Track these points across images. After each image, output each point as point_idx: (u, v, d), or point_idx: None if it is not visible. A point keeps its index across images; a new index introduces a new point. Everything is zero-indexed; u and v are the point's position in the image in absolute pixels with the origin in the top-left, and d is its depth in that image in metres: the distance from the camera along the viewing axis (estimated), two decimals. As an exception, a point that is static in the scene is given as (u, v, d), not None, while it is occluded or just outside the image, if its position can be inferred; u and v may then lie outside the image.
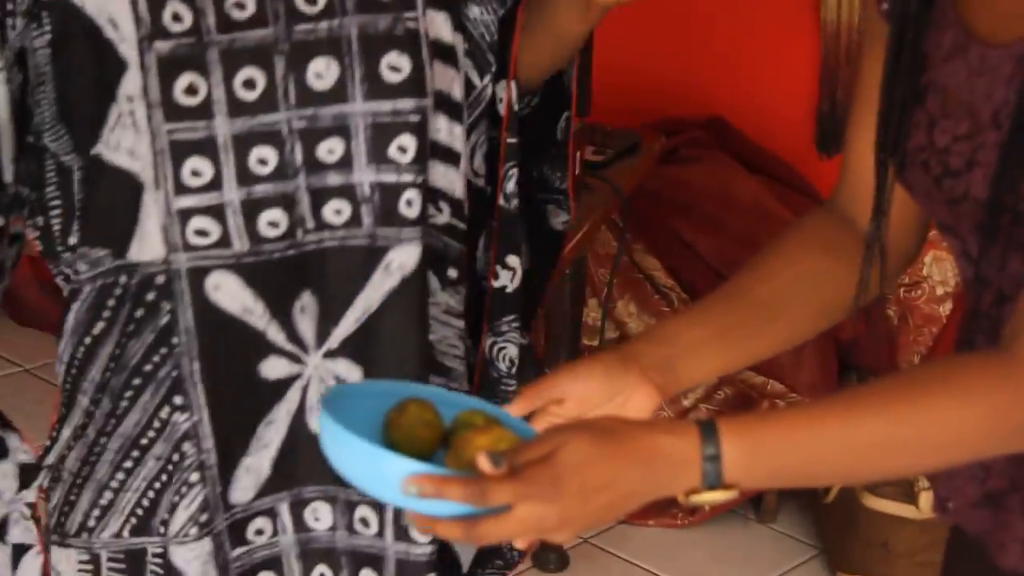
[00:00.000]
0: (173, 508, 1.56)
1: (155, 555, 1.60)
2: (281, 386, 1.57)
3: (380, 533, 1.62)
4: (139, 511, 1.56)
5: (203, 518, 1.57)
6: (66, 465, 1.57)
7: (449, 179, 1.65)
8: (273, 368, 1.56)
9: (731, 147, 3.73)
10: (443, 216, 1.63)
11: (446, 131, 1.61)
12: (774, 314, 1.51)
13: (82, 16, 1.47)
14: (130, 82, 1.49)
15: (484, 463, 1.13)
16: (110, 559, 1.61)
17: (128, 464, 1.56)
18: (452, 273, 1.65)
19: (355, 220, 1.55)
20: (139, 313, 1.53)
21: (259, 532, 1.61)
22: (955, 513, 1.53)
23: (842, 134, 3.18)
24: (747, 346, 1.51)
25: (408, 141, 1.56)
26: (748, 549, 3.53)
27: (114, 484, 1.56)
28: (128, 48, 1.48)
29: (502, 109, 1.69)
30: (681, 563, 3.40)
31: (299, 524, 1.64)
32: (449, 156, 1.62)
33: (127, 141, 1.51)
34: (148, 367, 1.54)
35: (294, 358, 1.57)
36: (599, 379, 1.42)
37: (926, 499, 3.14)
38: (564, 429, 1.23)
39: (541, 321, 3.44)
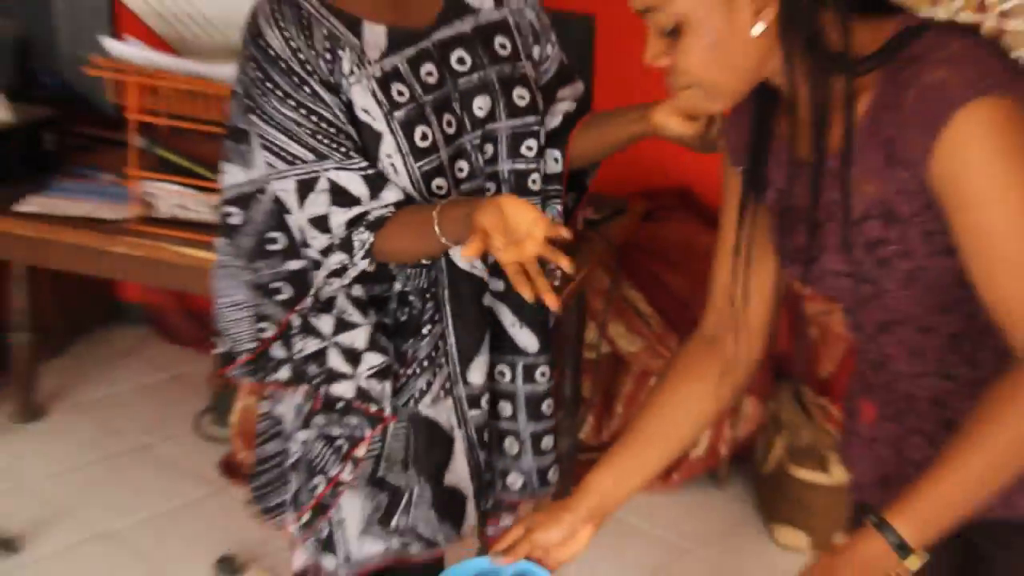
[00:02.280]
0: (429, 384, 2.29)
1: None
2: (486, 308, 2.29)
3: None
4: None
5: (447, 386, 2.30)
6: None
7: (551, 165, 2.32)
8: (486, 297, 2.29)
9: (694, 209, 4.11)
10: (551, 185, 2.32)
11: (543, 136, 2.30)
12: (665, 441, 1.95)
13: (353, 115, 2.11)
14: (386, 144, 2.09)
15: None
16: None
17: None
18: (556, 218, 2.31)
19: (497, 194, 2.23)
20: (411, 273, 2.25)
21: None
22: (858, 491, 1.93)
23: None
24: (650, 470, 1.96)
25: (532, 143, 2.25)
26: (707, 505, 3.93)
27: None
28: (379, 124, 2.10)
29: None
30: (658, 517, 3.78)
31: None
32: (544, 151, 2.30)
33: (396, 179, 2.15)
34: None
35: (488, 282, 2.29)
36: (561, 529, 1.90)
37: (835, 469, 3.56)
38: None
39: (559, 335, 3.61)
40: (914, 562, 1.52)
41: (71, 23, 3.60)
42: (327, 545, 2.35)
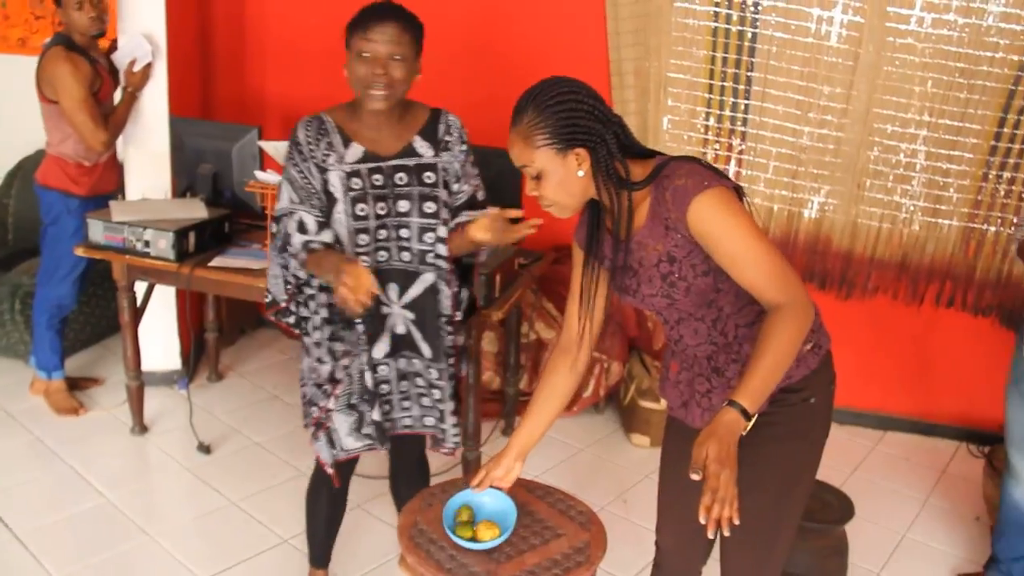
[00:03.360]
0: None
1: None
2: (385, 316, 2.43)
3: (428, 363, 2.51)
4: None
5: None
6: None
7: (440, 249, 2.40)
8: (383, 309, 2.42)
9: None
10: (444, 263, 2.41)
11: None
12: (551, 410, 2.18)
13: (327, 187, 2.31)
14: (338, 207, 2.33)
15: (695, 477, 1.63)
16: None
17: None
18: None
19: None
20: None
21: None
22: (670, 411, 2.17)
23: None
24: (545, 425, 2.17)
25: (431, 235, 2.39)
26: (592, 424, 4.22)
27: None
28: (339, 195, 2.33)
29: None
30: (564, 431, 4.06)
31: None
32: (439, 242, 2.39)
33: (338, 227, 2.33)
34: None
35: (389, 304, 2.43)
36: (503, 468, 2.13)
37: (662, 401, 3.73)
38: (702, 444, 1.65)
39: (503, 331, 3.98)
40: (751, 421, 1.70)
41: (240, 163, 3.75)
42: (330, 443, 2.54)
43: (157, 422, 4.07)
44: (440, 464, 3.54)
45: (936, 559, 3.37)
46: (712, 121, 4.10)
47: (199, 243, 3.54)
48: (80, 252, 3.63)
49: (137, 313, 3.81)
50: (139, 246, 3.49)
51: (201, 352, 4.58)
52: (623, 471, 3.83)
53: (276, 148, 3.26)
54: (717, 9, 3.96)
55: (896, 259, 4.09)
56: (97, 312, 4.75)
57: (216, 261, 3.46)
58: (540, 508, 2.22)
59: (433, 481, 2.76)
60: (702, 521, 1.63)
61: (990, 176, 3.88)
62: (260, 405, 4.29)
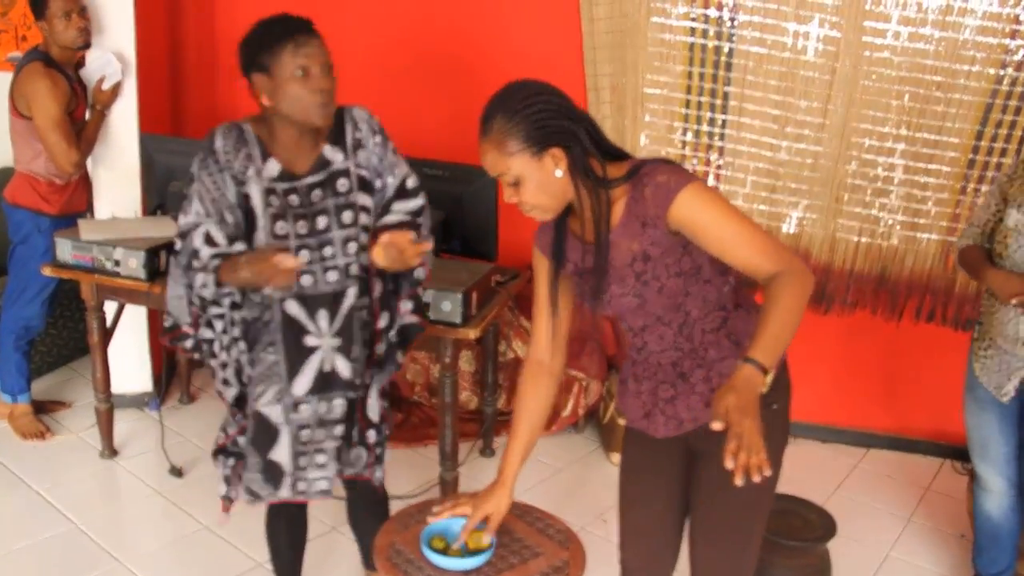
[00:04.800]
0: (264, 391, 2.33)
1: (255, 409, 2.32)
2: (311, 349, 2.33)
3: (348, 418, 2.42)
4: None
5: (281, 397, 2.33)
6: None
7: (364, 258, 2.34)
8: (308, 340, 2.33)
9: None
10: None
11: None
12: (532, 432, 2.16)
13: (247, 198, 2.23)
14: (259, 224, 2.26)
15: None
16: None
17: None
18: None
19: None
20: (262, 312, 2.30)
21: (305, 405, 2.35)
22: (631, 423, 2.16)
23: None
24: (528, 448, 2.14)
25: (353, 245, 2.31)
26: (571, 443, 4.22)
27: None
28: (259, 211, 2.26)
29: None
30: (544, 450, 4.04)
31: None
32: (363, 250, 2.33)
33: (257, 244, 2.26)
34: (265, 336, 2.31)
35: (318, 336, 2.33)
36: (505, 500, 2.10)
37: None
38: (721, 397, 1.61)
39: (480, 350, 3.98)
40: (769, 378, 1.69)
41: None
42: (237, 477, 2.48)
43: (127, 445, 4.04)
44: (419, 483, 3.53)
45: (920, 577, 3.38)
46: (690, 136, 4.12)
47: (170, 262, 3.50)
48: (48, 272, 3.61)
49: (107, 334, 3.78)
50: (109, 265, 3.48)
51: (172, 374, 4.54)
52: (603, 490, 3.82)
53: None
54: (694, 24, 3.98)
55: (875, 273, 4.11)
56: (64, 334, 4.72)
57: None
58: (519, 527, 2.22)
59: (411, 502, 2.72)
60: (729, 467, 1.57)
61: (968, 189, 3.92)
62: (233, 427, 4.27)
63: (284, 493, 2.44)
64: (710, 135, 4.09)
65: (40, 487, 3.67)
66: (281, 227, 2.28)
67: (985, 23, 3.70)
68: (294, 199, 2.29)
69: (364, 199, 2.37)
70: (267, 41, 2.19)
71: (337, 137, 2.36)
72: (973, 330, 2.92)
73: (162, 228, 3.65)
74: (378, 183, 2.42)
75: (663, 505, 2.20)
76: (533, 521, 2.27)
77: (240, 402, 2.42)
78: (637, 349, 2.06)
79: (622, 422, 3.70)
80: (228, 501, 2.50)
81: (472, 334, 3.17)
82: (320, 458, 2.45)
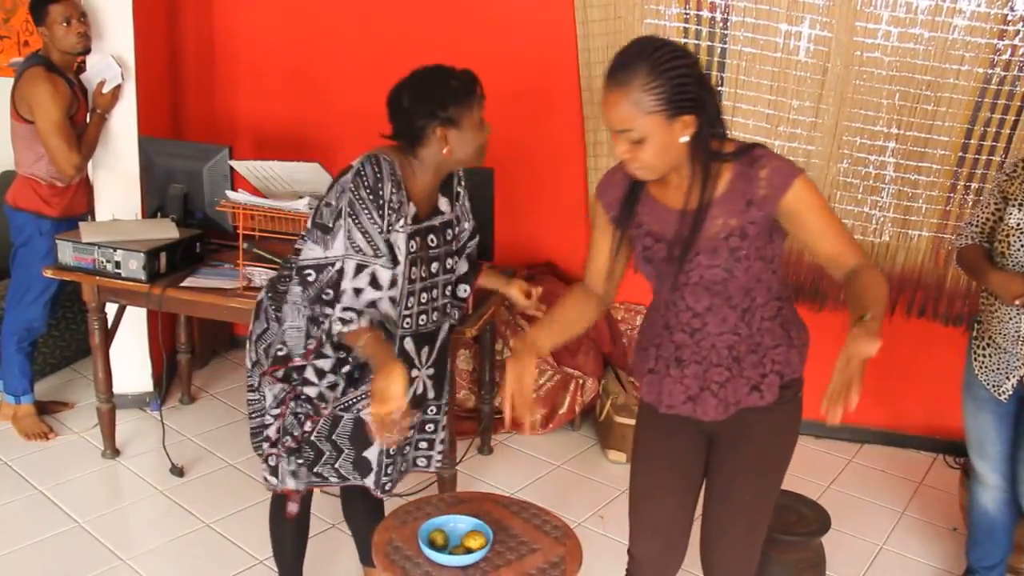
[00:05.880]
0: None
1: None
2: (413, 379, 2.45)
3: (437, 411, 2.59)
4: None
5: None
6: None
7: (460, 292, 2.55)
8: (412, 372, 2.45)
9: (557, 274, 4.35)
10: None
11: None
12: (573, 324, 2.13)
13: (390, 246, 2.24)
14: (399, 268, 2.29)
15: None
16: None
17: None
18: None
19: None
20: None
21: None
22: (668, 408, 2.09)
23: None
24: (560, 338, 2.11)
25: (450, 287, 2.50)
26: (569, 440, 4.22)
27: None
28: (401, 256, 2.29)
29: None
30: (541, 448, 4.10)
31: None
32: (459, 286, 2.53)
33: (393, 290, 2.30)
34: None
35: (420, 368, 2.49)
36: (531, 369, 1.97)
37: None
38: (855, 341, 1.67)
39: (477, 349, 4.00)
40: (876, 325, 1.70)
41: (211, 183, 3.74)
42: (273, 472, 2.51)
43: (129, 445, 4.04)
44: (417, 481, 3.54)
45: (913, 570, 3.38)
46: (683, 136, 4.13)
47: (170, 264, 3.54)
48: (49, 273, 3.62)
49: (108, 335, 3.79)
50: (110, 267, 3.48)
51: (173, 374, 4.54)
52: (599, 487, 3.82)
53: (247, 167, 3.30)
54: (686, 25, 4.00)
55: (868, 271, 4.11)
56: (67, 335, 4.73)
57: (188, 282, 3.46)
58: (515, 524, 2.24)
59: (409, 499, 2.73)
60: (825, 407, 1.68)
61: (958, 186, 3.93)
62: (233, 426, 4.26)
63: (369, 482, 2.50)
64: (704, 135, 4.09)
65: (43, 487, 3.68)
66: (414, 272, 2.35)
67: (974, 23, 3.72)
68: (415, 243, 2.34)
69: (457, 246, 2.51)
70: (461, 98, 2.27)
71: (447, 189, 2.46)
72: (971, 328, 2.91)
73: (162, 230, 3.66)
74: (466, 226, 2.57)
75: (678, 501, 2.20)
76: (530, 517, 2.29)
77: (321, 399, 2.42)
78: (691, 331, 2.04)
79: (621, 420, 3.87)
80: (296, 492, 2.54)
81: (469, 332, 3.18)
82: (403, 450, 2.57)
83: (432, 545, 2.09)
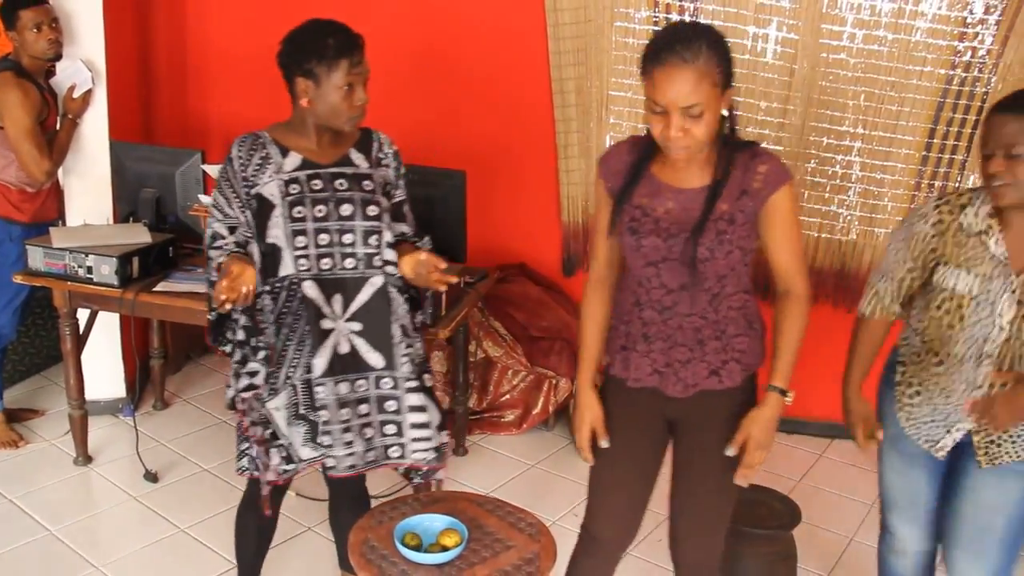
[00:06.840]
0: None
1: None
2: (327, 332, 2.37)
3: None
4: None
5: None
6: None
7: (387, 254, 2.41)
8: (325, 323, 2.38)
9: (528, 275, 4.41)
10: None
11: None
12: (600, 330, 2.18)
13: (261, 197, 2.32)
14: (276, 211, 2.33)
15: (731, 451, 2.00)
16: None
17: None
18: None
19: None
20: (285, 295, 2.34)
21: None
22: (636, 381, 2.13)
23: (575, 268, 3.96)
24: (600, 346, 2.18)
25: (376, 238, 2.39)
26: (542, 440, 4.23)
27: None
28: (276, 200, 2.33)
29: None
30: (515, 448, 4.12)
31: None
32: (384, 245, 2.41)
33: (276, 231, 2.33)
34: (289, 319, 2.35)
35: (333, 319, 2.38)
36: (595, 402, 2.14)
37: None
38: (746, 428, 1.96)
39: (450, 350, 3.98)
40: (790, 397, 1.99)
41: (183, 187, 3.76)
42: (285, 459, 2.46)
43: (102, 452, 4.01)
44: (393, 482, 3.53)
45: (882, 562, 3.42)
46: (653, 137, 4.15)
47: (143, 268, 3.52)
48: (19, 279, 3.59)
49: (80, 341, 3.77)
50: (81, 272, 3.47)
51: (146, 379, 4.51)
52: (573, 486, 3.82)
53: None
54: (656, 28, 4.01)
55: (835, 267, 4.17)
56: (36, 342, 4.69)
57: (161, 286, 3.46)
58: (490, 521, 2.25)
59: (384, 500, 2.72)
60: (742, 484, 2.02)
61: (922, 185, 3.99)
62: (207, 431, 4.26)
63: (321, 446, 2.42)
64: (673, 136, 4.12)
65: (13, 495, 3.64)
66: (298, 211, 2.33)
67: (935, 26, 3.77)
68: (317, 183, 2.36)
69: (385, 204, 2.45)
70: (324, 53, 2.26)
71: (364, 148, 2.48)
72: (891, 370, 2.41)
73: (134, 235, 3.64)
74: (391, 193, 2.53)
75: (639, 487, 2.23)
76: (504, 516, 2.30)
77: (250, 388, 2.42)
78: (661, 309, 2.07)
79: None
80: (276, 475, 2.47)
81: (442, 334, 3.19)
82: (348, 436, 2.44)
83: (408, 544, 2.08)
